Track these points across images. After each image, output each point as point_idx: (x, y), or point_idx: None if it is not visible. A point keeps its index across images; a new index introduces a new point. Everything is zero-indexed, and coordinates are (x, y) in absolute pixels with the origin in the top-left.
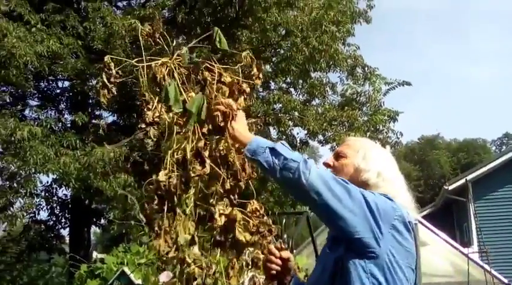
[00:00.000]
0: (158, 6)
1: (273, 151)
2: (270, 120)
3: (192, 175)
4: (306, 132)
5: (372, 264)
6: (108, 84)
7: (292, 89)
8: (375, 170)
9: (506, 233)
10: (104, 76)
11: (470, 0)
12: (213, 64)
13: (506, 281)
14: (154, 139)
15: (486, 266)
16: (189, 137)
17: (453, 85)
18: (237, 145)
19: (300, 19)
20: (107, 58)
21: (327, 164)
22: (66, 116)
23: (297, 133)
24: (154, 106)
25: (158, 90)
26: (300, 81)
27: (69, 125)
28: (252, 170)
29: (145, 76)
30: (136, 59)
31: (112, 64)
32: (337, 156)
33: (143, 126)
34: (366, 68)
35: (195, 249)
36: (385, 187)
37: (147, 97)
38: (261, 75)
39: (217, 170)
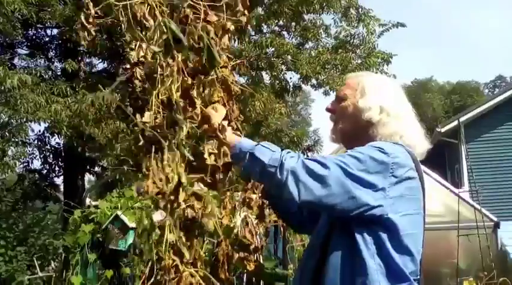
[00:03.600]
0: None
1: (252, 156)
2: (262, 64)
3: (180, 117)
4: (299, 76)
5: (374, 225)
6: (87, 24)
7: (285, 32)
8: (376, 106)
9: (497, 174)
10: (82, 16)
11: None
12: (198, 2)
13: (495, 219)
14: (141, 79)
15: (476, 205)
16: (174, 77)
17: (447, 29)
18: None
19: None
20: None
21: (329, 110)
22: (56, 64)
23: (290, 78)
24: (138, 46)
25: (139, 29)
26: (293, 24)
27: (59, 73)
28: (239, 114)
29: (126, 15)
30: None
31: (91, 3)
32: (338, 100)
33: (128, 66)
34: (360, 9)
35: (186, 189)
36: (391, 123)
37: (128, 37)
38: (246, 12)
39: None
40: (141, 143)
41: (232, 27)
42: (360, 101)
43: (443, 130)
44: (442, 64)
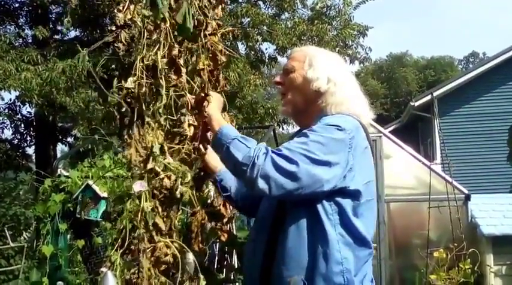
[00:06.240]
0: None
1: (228, 150)
2: (238, 34)
3: (165, 84)
4: (274, 47)
5: (335, 195)
6: None
7: (260, 2)
8: (323, 76)
9: (468, 148)
10: None
11: None
12: None
13: (466, 192)
14: (126, 43)
15: (448, 178)
16: (160, 43)
17: (423, 4)
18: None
19: None
20: None
21: (277, 83)
22: (26, 31)
23: (266, 49)
24: (126, 8)
25: None
26: None
27: (30, 40)
28: (225, 83)
29: None
30: None
31: None
32: (286, 72)
33: (113, 28)
34: None
35: (166, 159)
36: (338, 93)
37: None
38: None
39: (189, 80)
40: (123, 110)
41: None
42: (308, 72)
43: (416, 104)
44: (417, 39)
